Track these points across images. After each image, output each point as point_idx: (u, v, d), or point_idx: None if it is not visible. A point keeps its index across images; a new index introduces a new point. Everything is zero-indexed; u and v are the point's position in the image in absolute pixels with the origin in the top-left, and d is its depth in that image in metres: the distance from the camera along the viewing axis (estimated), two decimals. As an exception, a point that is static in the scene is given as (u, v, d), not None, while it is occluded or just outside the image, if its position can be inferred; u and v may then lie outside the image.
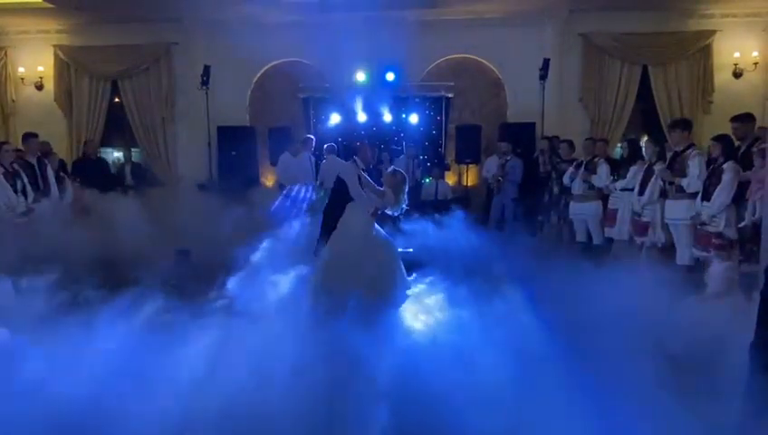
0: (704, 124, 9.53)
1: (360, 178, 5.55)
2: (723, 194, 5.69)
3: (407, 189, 5.62)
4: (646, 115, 10.30)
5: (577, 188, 7.83)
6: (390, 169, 5.89)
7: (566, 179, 7.92)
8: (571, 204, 7.94)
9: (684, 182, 6.15)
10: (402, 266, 5.43)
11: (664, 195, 6.48)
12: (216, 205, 7.76)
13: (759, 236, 5.25)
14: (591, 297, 4.59)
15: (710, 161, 6.08)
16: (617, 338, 3.78)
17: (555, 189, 8.28)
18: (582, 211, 7.81)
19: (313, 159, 9.46)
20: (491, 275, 5.63)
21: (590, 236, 7.86)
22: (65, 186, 7.86)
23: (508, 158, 9.12)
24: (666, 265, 6.52)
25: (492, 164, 9.44)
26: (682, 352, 3.79)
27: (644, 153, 7.13)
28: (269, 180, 10.35)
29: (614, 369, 3.38)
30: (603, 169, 7.58)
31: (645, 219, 6.81)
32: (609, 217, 7.47)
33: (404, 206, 5.66)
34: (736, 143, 6.08)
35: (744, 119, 6.18)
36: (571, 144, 8.37)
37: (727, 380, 3.17)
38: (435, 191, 9.61)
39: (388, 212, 5.63)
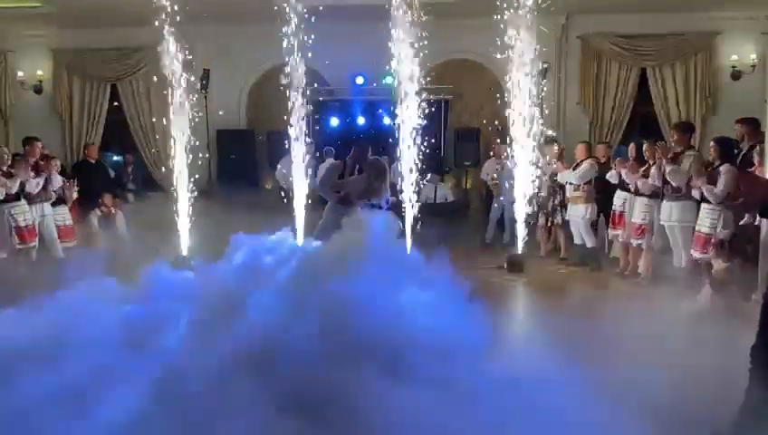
0: (702, 126, 9.55)
1: (340, 175, 5.85)
2: (719, 193, 5.72)
3: (388, 178, 5.71)
4: (644, 117, 10.32)
5: (569, 189, 7.88)
6: (372, 157, 5.97)
7: (561, 178, 7.99)
8: (568, 206, 7.99)
9: (673, 174, 6.17)
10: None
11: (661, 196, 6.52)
12: (216, 209, 7.77)
13: (757, 237, 5.26)
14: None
15: (709, 163, 6.10)
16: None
17: (544, 192, 8.27)
18: (573, 213, 7.86)
19: (314, 162, 9.46)
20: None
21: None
22: (65, 188, 7.87)
23: (507, 161, 9.14)
24: (664, 268, 6.58)
25: (491, 166, 9.47)
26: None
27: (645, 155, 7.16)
28: (269, 184, 10.36)
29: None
30: (585, 165, 7.68)
31: (642, 221, 6.84)
32: (614, 219, 7.50)
33: (388, 196, 5.76)
34: (740, 145, 6.11)
35: (745, 121, 6.21)
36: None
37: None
38: (434, 194, 9.62)
39: (374, 202, 5.68)
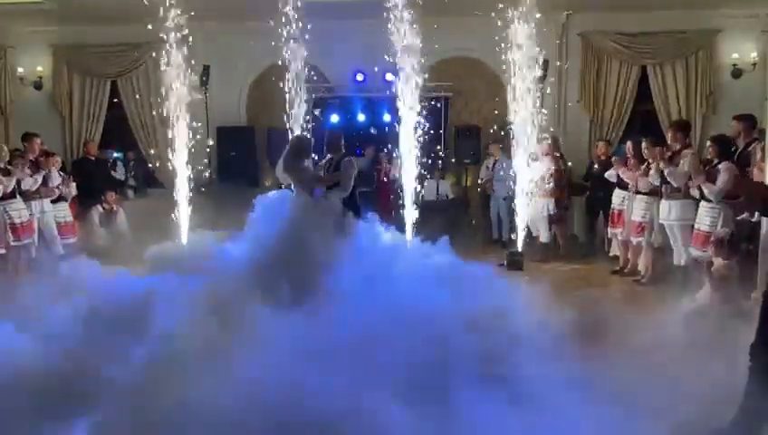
0: (703, 125, 9.54)
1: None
2: (718, 190, 5.72)
3: (308, 157, 5.66)
4: (645, 115, 10.31)
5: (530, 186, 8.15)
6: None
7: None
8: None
9: (673, 175, 6.18)
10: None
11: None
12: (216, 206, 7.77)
13: (756, 235, 5.26)
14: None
15: (707, 162, 6.10)
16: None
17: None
18: (534, 208, 8.07)
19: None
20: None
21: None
22: (64, 185, 7.89)
23: (497, 158, 9.20)
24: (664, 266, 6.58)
25: (484, 165, 9.59)
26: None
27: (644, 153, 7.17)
28: (269, 181, 10.34)
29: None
30: (538, 163, 8.00)
31: (641, 219, 6.84)
32: (614, 217, 7.50)
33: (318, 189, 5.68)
34: (737, 142, 6.12)
35: (743, 118, 6.22)
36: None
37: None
38: (435, 191, 9.63)
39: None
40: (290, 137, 7.51)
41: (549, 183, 8.03)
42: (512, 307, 4.47)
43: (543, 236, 8.12)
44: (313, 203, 5.34)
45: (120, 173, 10.27)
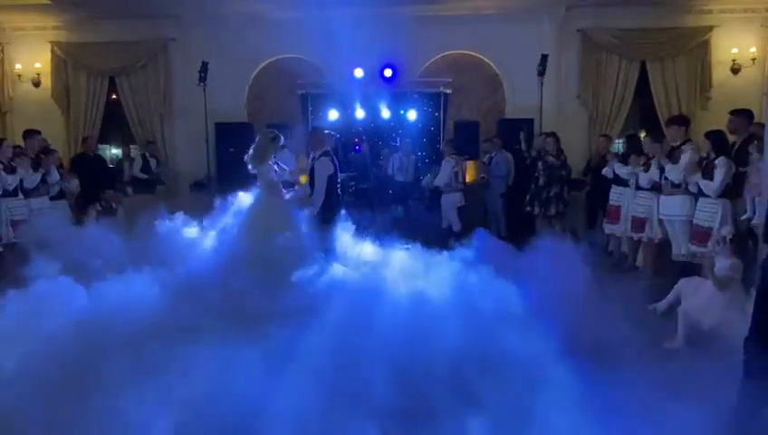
0: (702, 120, 9.52)
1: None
2: (716, 186, 5.72)
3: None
4: (644, 111, 10.30)
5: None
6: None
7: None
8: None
9: (673, 172, 6.18)
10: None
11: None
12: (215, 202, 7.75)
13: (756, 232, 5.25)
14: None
15: (705, 158, 6.10)
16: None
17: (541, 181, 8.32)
18: (444, 202, 8.69)
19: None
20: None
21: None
22: (66, 181, 7.89)
23: (492, 155, 9.21)
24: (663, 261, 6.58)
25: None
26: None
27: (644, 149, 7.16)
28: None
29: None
30: (444, 165, 8.55)
31: (641, 215, 6.84)
32: (611, 213, 7.50)
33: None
34: (731, 139, 6.11)
35: (739, 113, 6.21)
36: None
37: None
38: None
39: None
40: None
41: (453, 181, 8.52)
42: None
43: (455, 226, 8.47)
44: (274, 200, 5.31)
45: (136, 170, 10.25)
